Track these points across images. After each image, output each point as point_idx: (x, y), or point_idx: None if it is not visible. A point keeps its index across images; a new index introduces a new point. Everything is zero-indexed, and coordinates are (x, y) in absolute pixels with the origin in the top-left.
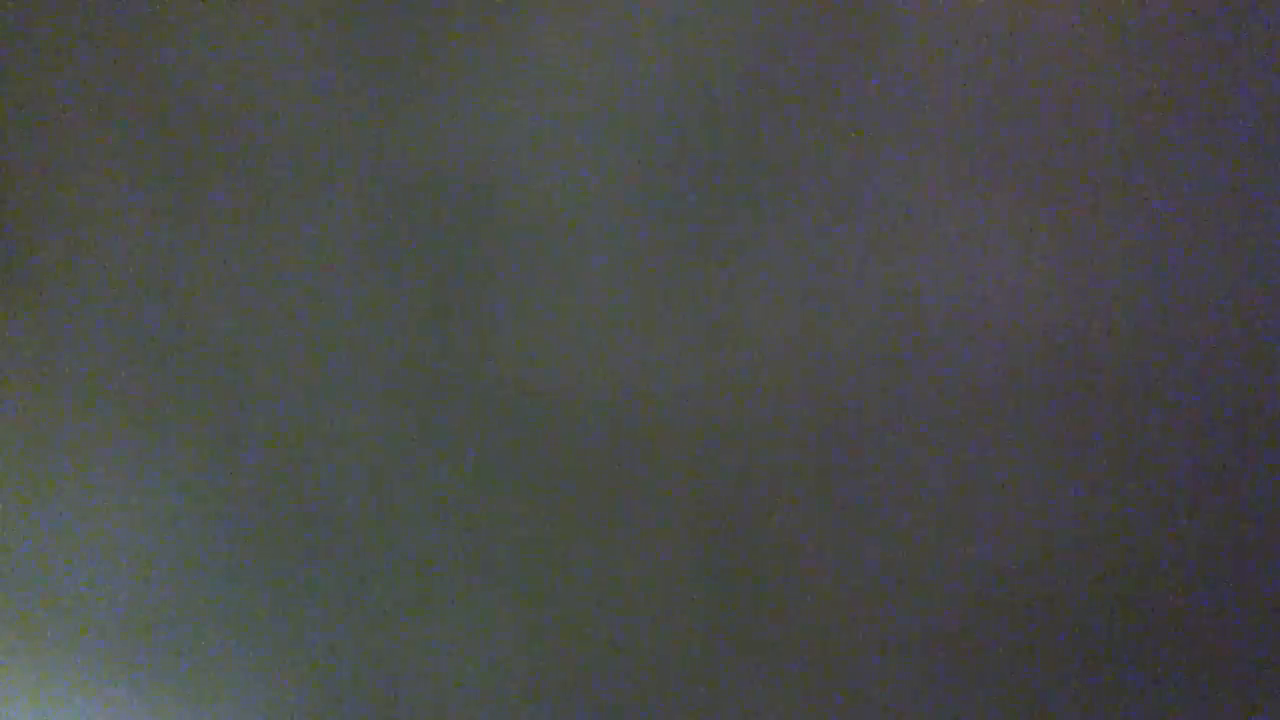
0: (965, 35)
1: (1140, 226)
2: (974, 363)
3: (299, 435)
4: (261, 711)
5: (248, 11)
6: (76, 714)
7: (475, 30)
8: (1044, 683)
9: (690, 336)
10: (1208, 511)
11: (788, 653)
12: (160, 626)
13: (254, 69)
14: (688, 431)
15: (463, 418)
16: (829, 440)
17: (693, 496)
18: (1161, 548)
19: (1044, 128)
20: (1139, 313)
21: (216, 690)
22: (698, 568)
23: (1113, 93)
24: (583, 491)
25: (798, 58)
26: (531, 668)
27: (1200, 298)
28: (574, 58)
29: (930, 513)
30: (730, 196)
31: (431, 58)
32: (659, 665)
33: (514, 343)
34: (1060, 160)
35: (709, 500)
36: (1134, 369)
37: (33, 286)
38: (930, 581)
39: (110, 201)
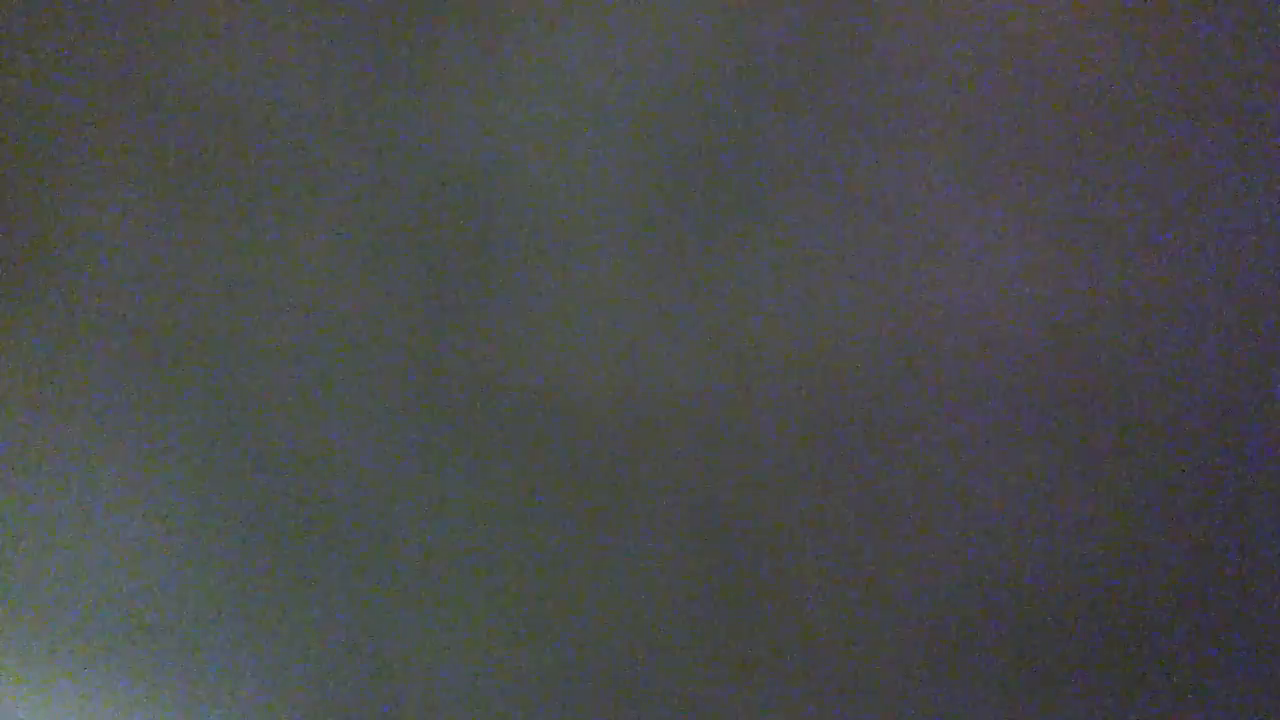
0: (966, 35)
1: (1140, 226)
2: (974, 362)
3: (299, 436)
4: (262, 711)
5: (248, 11)
6: (76, 714)
7: (475, 30)
8: (1043, 683)
9: (690, 336)
10: (1208, 511)
11: (787, 652)
12: (160, 626)
13: (254, 69)
14: (688, 431)
15: (463, 417)
16: (829, 440)
17: (693, 496)
18: (1161, 548)
19: (1044, 127)
20: (1139, 313)
21: (216, 690)
22: (698, 568)
23: (1113, 93)
24: (583, 491)
25: (797, 57)
26: (531, 667)
27: (1200, 297)
28: (574, 58)
29: (930, 513)
30: (730, 196)
31: (431, 58)
32: (659, 665)
33: (513, 342)
34: (1061, 160)
35: (709, 500)
36: (1134, 369)
37: (33, 286)
38: (930, 581)
39: (110, 201)
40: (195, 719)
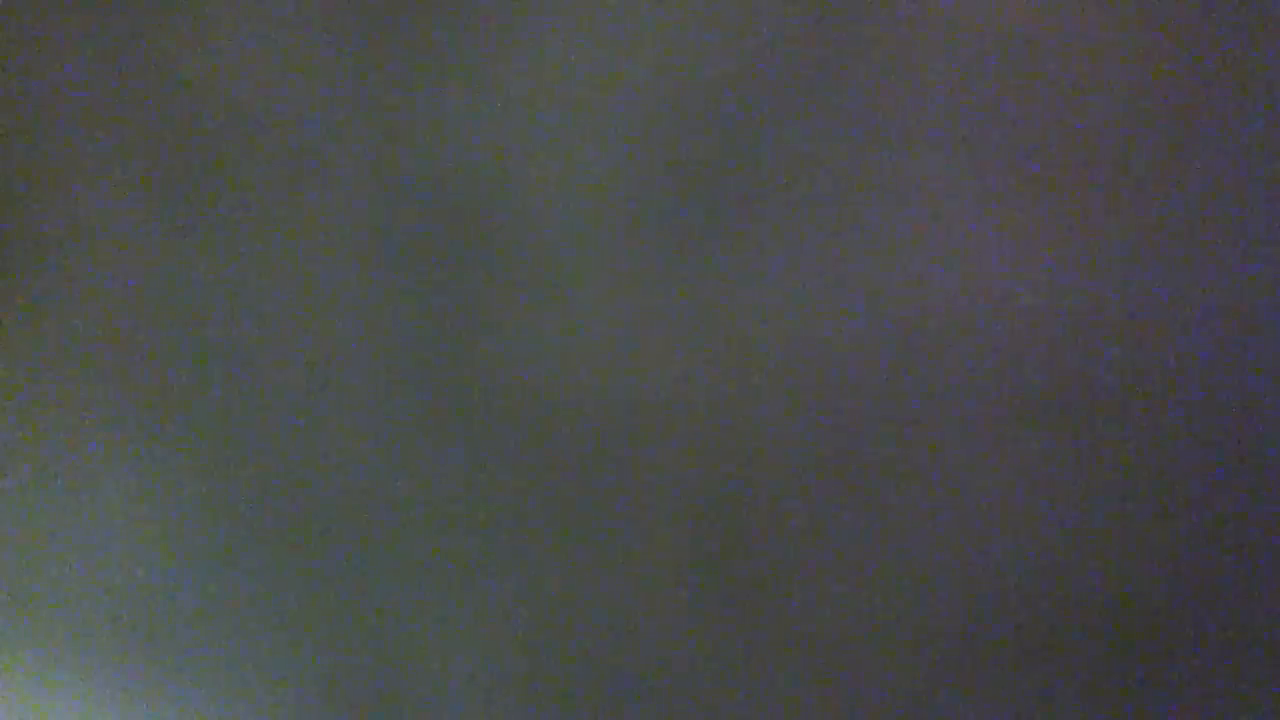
0: (965, 35)
1: (1140, 226)
2: (974, 362)
3: (299, 435)
4: (262, 711)
5: (248, 12)
6: (76, 714)
7: (476, 30)
8: (1043, 683)
9: (690, 338)
10: (1208, 512)
11: (787, 652)
12: (160, 626)
13: (254, 70)
14: (688, 432)
15: (462, 418)
16: (829, 441)
17: (692, 497)
18: (1161, 548)
19: (1044, 127)
20: (1139, 313)
21: (217, 690)
22: (697, 568)
23: (1113, 93)
24: (582, 491)
25: (797, 58)
26: (531, 667)
27: (1200, 298)
28: (574, 58)
29: (930, 513)
30: (730, 197)
31: (432, 58)
32: (659, 665)
33: (513, 343)
34: (1060, 160)
35: (708, 500)
36: (1134, 369)
37: (33, 287)
38: (930, 581)
39: (110, 203)
40: (194, 719)
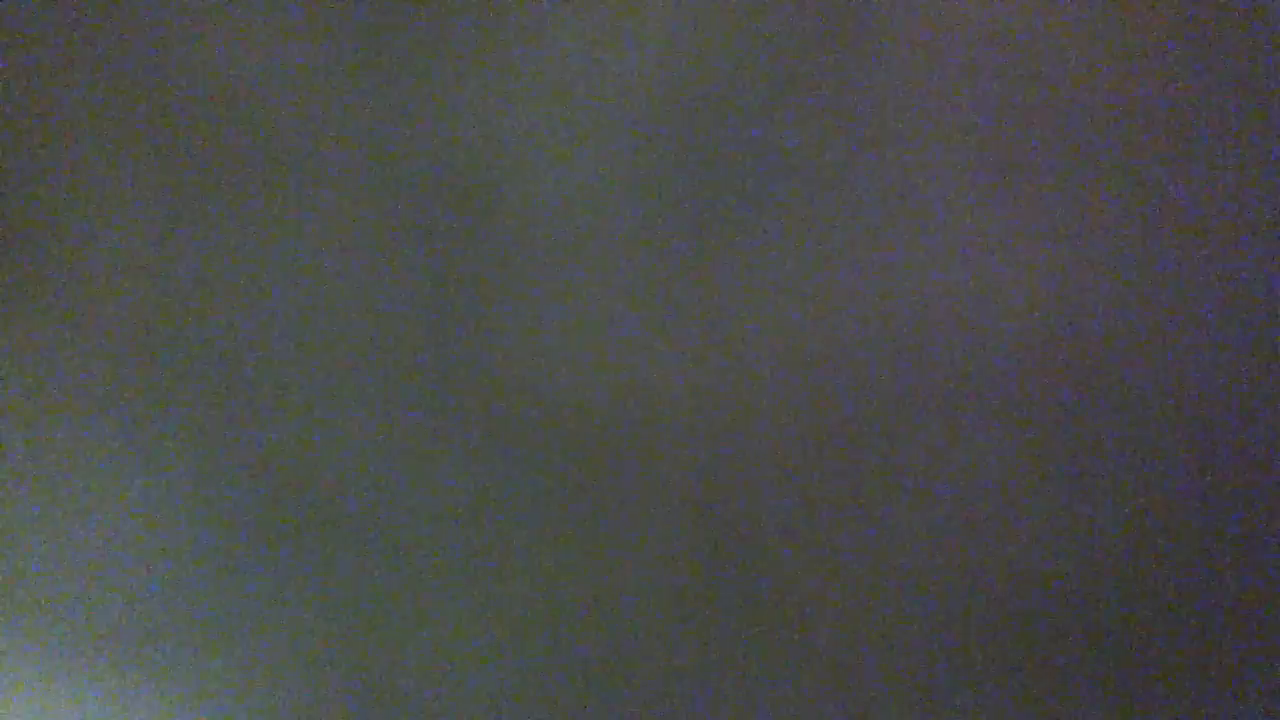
0: (966, 35)
1: (1140, 227)
2: (973, 362)
3: (299, 435)
4: (262, 710)
5: (248, 11)
6: (76, 714)
7: (476, 30)
8: (1043, 682)
9: (689, 337)
10: (1208, 512)
11: (786, 652)
12: (160, 625)
13: (255, 68)
14: (687, 431)
15: (462, 417)
16: (828, 440)
17: (692, 496)
18: (1161, 548)
19: (1044, 128)
20: (1138, 313)
21: (216, 690)
22: (697, 568)
23: (1113, 94)
24: (582, 490)
25: (797, 58)
26: (531, 667)
27: (1200, 298)
28: (574, 58)
29: (929, 513)
30: (729, 196)
31: (432, 57)
32: (658, 665)
33: (514, 342)
34: (1060, 160)
35: (709, 500)
36: (1133, 369)
37: (33, 286)
38: (929, 581)
39: (111, 201)
40: (194, 719)
